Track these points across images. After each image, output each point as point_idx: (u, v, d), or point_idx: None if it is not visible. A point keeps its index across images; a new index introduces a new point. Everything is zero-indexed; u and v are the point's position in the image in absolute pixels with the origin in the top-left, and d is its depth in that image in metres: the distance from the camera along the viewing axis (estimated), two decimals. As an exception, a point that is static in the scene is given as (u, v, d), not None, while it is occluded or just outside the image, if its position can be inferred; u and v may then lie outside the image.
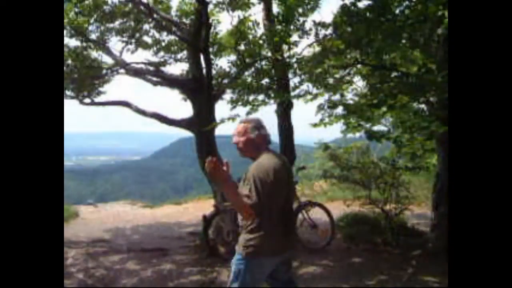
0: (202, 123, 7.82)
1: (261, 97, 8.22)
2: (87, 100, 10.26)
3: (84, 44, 8.81)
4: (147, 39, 10.11)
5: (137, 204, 16.28)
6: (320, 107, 7.60)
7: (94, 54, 9.59)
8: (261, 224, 3.39)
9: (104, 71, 9.50)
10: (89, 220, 12.18)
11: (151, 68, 9.84)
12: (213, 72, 8.55)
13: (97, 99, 10.43)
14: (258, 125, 3.63)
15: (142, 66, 9.74)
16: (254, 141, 3.58)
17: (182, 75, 9.64)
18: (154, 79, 9.93)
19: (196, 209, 13.29)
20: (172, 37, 9.74)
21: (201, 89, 8.04)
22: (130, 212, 14.15)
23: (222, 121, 6.37)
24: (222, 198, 7.18)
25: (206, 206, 13.66)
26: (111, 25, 9.40)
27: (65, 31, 8.56)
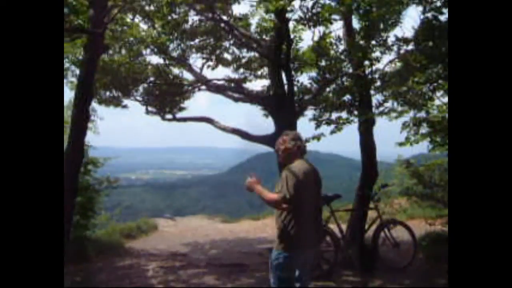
0: None
1: (344, 114, 8.09)
2: (169, 116, 10.53)
3: (167, 61, 9.04)
4: (227, 56, 10.27)
5: (214, 218, 16.51)
6: (405, 125, 7.32)
7: (175, 71, 9.87)
8: (292, 221, 3.99)
9: (185, 88, 9.70)
10: (168, 233, 12.47)
11: (232, 84, 9.94)
12: (295, 88, 8.50)
13: (178, 115, 10.71)
14: (296, 137, 4.36)
15: (223, 82, 9.87)
16: (291, 150, 4.28)
17: (263, 92, 9.67)
18: (236, 95, 10.03)
19: (274, 225, 13.27)
20: (252, 53, 9.82)
21: (283, 106, 8.00)
22: (208, 226, 14.34)
23: (307, 140, 6.20)
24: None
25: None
26: (192, 42, 9.65)
27: (148, 50, 8.88)
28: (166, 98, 9.71)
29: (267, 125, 8.83)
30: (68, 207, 4.50)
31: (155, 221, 16.66)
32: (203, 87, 9.75)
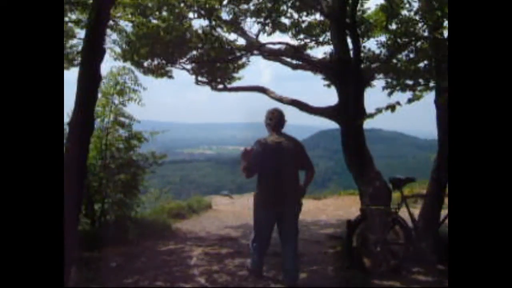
0: (349, 112, 6.71)
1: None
2: (220, 86, 9.62)
3: (213, 22, 8.04)
4: (285, 20, 9.14)
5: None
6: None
7: (227, 36, 8.88)
8: (257, 185, 5.26)
9: (236, 53, 8.70)
10: (222, 213, 11.69)
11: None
12: (361, 55, 7.37)
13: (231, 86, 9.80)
14: (268, 114, 5.43)
15: (280, 46, 8.80)
16: (266, 126, 5.47)
17: (325, 59, 8.53)
18: (294, 62, 9.03)
19: (336, 207, 12.20)
20: (313, 17, 8.69)
21: (348, 73, 6.88)
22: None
23: (379, 110, 5.16)
24: (370, 199, 6.00)
25: (347, 203, 12.56)
26: (246, 6, 8.60)
27: (191, 13, 7.97)
28: (216, 65, 8.76)
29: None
30: (75, 188, 3.68)
31: (210, 199, 16.08)
32: (256, 52, 8.67)
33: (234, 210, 12.23)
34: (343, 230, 6.86)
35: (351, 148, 6.63)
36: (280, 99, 8.21)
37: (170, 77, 9.17)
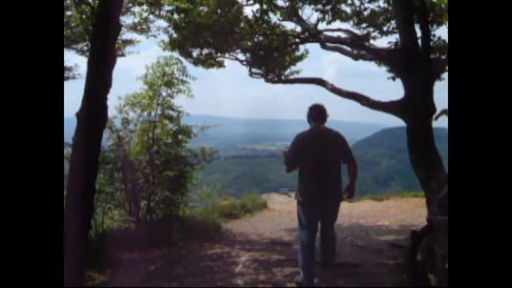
0: (416, 107, 5.90)
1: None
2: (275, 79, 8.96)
3: (265, 6, 7.35)
4: (346, 8, 8.34)
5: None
6: None
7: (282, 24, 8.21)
8: (300, 179, 5.12)
9: (290, 40, 7.98)
10: (277, 212, 11.07)
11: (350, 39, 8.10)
12: (430, 44, 6.50)
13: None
14: (309, 110, 5.27)
15: (339, 34, 8.05)
16: (307, 119, 5.32)
17: (390, 48, 7.69)
18: (356, 51, 8.27)
19: (399, 209, 11.24)
20: (376, 4, 7.87)
21: (415, 64, 6.04)
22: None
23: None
24: (438, 208, 5.15)
25: (410, 205, 11.62)
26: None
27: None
28: (271, 55, 8.10)
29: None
30: (83, 189, 3.28)
31: (268, 196, 15.51)
32: (313, 39, 7.91)
33: (291, 210, 11.54)
34: (406, 237, 6.10)
35: (418, 148, 5.79)
36: (340, 92, 7.46)
37: (221, 66, 8.60)
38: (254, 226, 9.03)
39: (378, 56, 7.65)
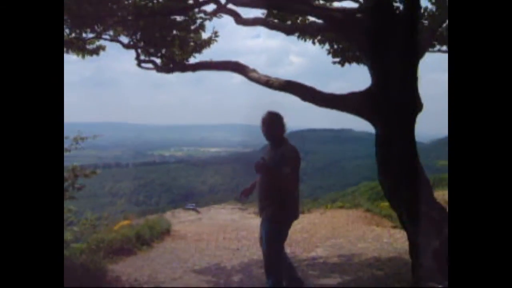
0: (391, 101, 4.08)
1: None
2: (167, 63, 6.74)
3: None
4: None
5: (248, 209, 12.95)
6: None
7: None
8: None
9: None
10: (183, 241, 8.85)
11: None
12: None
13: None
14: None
15: None
16: None
17: (349, 10, 5.64)
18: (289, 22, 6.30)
19: (329, 230, 9.48)
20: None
21: (390, 35, 4.17)
22: (240, 222, 10.83)
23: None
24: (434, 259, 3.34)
25: (340, 221, 10.02)
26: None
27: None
28: (165, 35, 5.91)
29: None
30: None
31: (174, 214, 13.29)
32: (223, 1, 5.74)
33: (200, 233, 9.46)
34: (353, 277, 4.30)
35: (394, 160, 3.90)
36: (267, 82, 5.41)
37: (95, 53, 6.27)
38: (152, 266, 6.78)
39: (328, 24, 5.41)
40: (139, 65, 6.41)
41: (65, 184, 5.73)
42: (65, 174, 5.73)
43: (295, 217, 4.81)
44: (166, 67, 6.39)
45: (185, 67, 6.37)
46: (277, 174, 4.46)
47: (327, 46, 6.47)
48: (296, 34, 6.23)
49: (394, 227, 8.69)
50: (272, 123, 4.67)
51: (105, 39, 6.10)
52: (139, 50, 6.30)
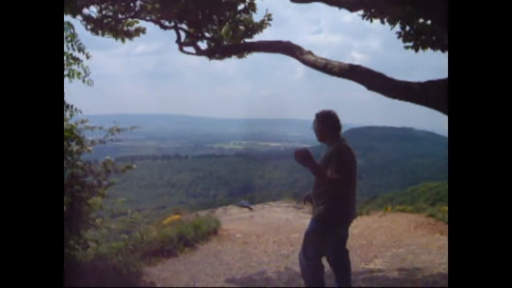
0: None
1: None
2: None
3: None
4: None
5: (304, 208, 12.17)
6: None
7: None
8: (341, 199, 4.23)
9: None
10: (229, 242, 8.23)
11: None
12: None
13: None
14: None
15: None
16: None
17: None
18: None
19: (388, 235, 8.60)
20: None
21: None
22: (295, 223, 10.10)
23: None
24: None
25: (402, 227, 9.11)
26: None
27: None
28: (202, 13, 5.25)
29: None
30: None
31: (225, 210, 12.74)
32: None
33: (250, 234, 8.81)
34: None
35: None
36: (326, 67, 4.65)
37: (135, 35, 5.70)
38: (192, 272, 6.18)
39: None
40: (181, 49, 5.78)
41: (95, 180, 5.22)
42: (98, 169, 5.23)
43: (346, 220, 4.44)
44: (208, 50, 5.72)
45: (229, 50, 5.68)
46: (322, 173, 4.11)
47: (397, 28, 5.56)
48: (361, 13, 5.40)
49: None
50: (321, 123, 4.38)
51: (143, 19, 5.52)
52: (180, 32, 5.68)
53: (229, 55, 5.76)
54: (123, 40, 5.59)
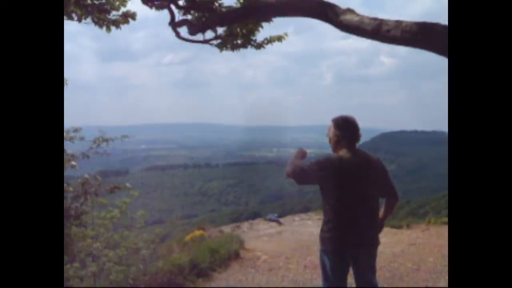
0: None
1: None
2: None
3: None
4: None
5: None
6: None
7: None
8: (328, 219, 3.72)
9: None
10: (252, 264, 7.07)
11: None
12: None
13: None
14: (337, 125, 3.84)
15: None
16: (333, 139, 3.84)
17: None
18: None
19: (438, 255, 7.29)
20: None
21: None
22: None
23: None
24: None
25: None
26: None
27: None
28: None
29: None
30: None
31: (252, 226, 11.58)
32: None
33: (277, 256, 7.64)
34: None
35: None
36: (379, 28, 3.46)
37: (115, 24, 4.63)
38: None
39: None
40: (176, 34, 4.67)
41: (74, 203, 4.20)
42: (71, 189, 4.23)
43: (349, 244, 3.71)
44: (201, 22, 4.53)
45: (230, 17, 4.46)
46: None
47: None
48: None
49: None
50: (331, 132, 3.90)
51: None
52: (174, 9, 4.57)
53: (230, 22, 4.55)
54: (108, 29, 4.55)
